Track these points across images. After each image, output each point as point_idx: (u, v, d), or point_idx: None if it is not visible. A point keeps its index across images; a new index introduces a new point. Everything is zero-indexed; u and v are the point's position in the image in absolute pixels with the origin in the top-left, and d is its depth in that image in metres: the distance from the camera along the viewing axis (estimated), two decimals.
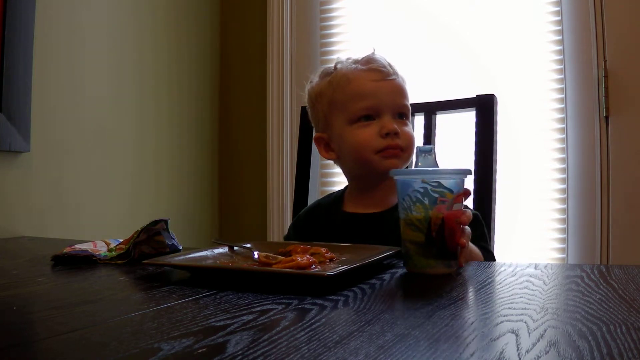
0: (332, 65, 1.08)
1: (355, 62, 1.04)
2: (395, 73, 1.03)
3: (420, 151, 0.78)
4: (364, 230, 1.01)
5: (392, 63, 1.04)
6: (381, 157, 0.98)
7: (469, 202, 1.12)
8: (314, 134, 1.11)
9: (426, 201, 0.72)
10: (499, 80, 1.78)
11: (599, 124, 1.67)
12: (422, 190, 0.72)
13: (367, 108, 0.99)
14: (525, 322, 0.48)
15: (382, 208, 1.01)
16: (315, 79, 1.09)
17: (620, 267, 0.76)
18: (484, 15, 1.83)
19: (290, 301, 0.57)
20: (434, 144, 1.26)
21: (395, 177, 0.76)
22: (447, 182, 0.73)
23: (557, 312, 0.52)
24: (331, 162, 1.12)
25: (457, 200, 0.73)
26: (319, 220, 1.10)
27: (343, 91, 1.01)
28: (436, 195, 0.72)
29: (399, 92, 1.02)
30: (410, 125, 1.04)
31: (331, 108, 1.04)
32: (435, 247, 0.72)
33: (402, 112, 1.02)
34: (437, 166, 0.78)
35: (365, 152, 0.99)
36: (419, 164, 0.77)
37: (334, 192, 1.17)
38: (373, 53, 1.05)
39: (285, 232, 1.22)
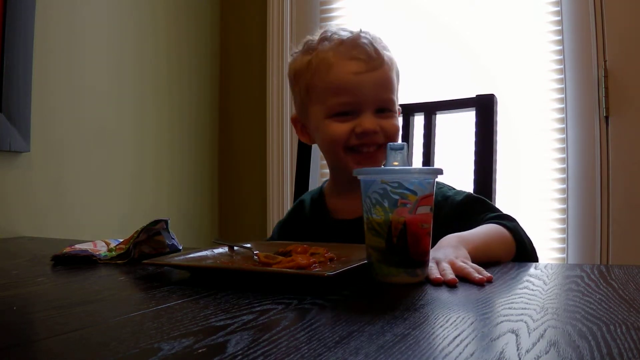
0: (317, 36, 0.99)
1: (340, 43, 0.95)
2: (381, 60, 0.94)
3: (390, 149, 0.72)
4: (356, 237, 0.92)
5: (380, 44, 0.96)
6: (352, 159, 0.93)
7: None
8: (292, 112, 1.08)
9: (386, 203, 0.66)
10: (499, 80, 1.78)
11: (599, 124, 1.67)
12: (381, 191, 0.66)
13: (345, 104, 0.93)
14: (525, 322, 0.48)
15: None
16: (297, 51, 1.01)
17: (620, 267, 0.76)
18: (484, 15, 1.83)
19: (290, 301, 0.57)
20: (434, 144, 1.26)
21: (359, 177, 0.70)
22: (409, 183, 0.66)
23: (557, 312, 0.52)
24: None
25: (423, 203, 0.67)
26: (305, 225, 1.06)
27: (321, 79, 0.94)
28: (396, 197, 0.66)
29: (383, 85, 0.94)
30: (396, 117, 0.97)
31: (309, 94, 0.97)
32: (397, 254, 0.66)
33: (386, 106, 0.95)
34: (409, 166, 0.72)
35: (337, 149, 0.94)
36: (393, 162, 0.71)
37: (312, 191, 1.13)
38: (360, 33, 0.96)
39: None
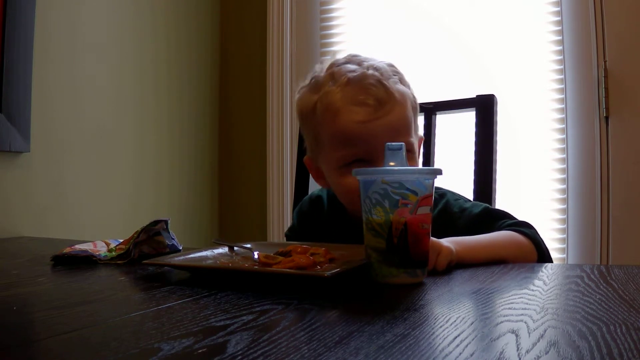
0: (323, 72, 0.92)
1: (347, 83, 0.87)
2: (393, 102, 0.86)
3: (388, 149, 0.71)
4: None
5: (390, 79, 0.87)
6: None
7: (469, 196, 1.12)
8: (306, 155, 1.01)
9: (386, 204, 0.66)
10: (499, 80, 1.78)
11: (599, 124, 1.67)
12: (382, 191, 0.66)
13: (355, 155, 0.87)
14: (525, 322, 0.48)
15: None
16: (304, 86, 0.95)
17: (620, 267, 0.76)
18: (484, 16, 1.83)
19: (290, 301, 0.57)
20: (434, 144, 1.26)
21: (358, 177, 0.69)
22: (410, 183, 0.66)
23: (557, 312, 0.52)
24: None
25: (423, 203, 0.66)
26: (324, 222, 1.05)
27: (328, 127, 0.88)
28: (397, 198, 0.65)
29: (397, 129, 0.86)
30: (415, 158, 0.91)
31: (317, 142, 0.92)
32: (398, 255, 0.66)
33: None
34: (407, 165, 0.72)
35: (355, 199, 0.83)
36: (390, 163, 0.70)
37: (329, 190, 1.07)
38: (367, 71, 0.87)
39: (286, 229, 1.19)
